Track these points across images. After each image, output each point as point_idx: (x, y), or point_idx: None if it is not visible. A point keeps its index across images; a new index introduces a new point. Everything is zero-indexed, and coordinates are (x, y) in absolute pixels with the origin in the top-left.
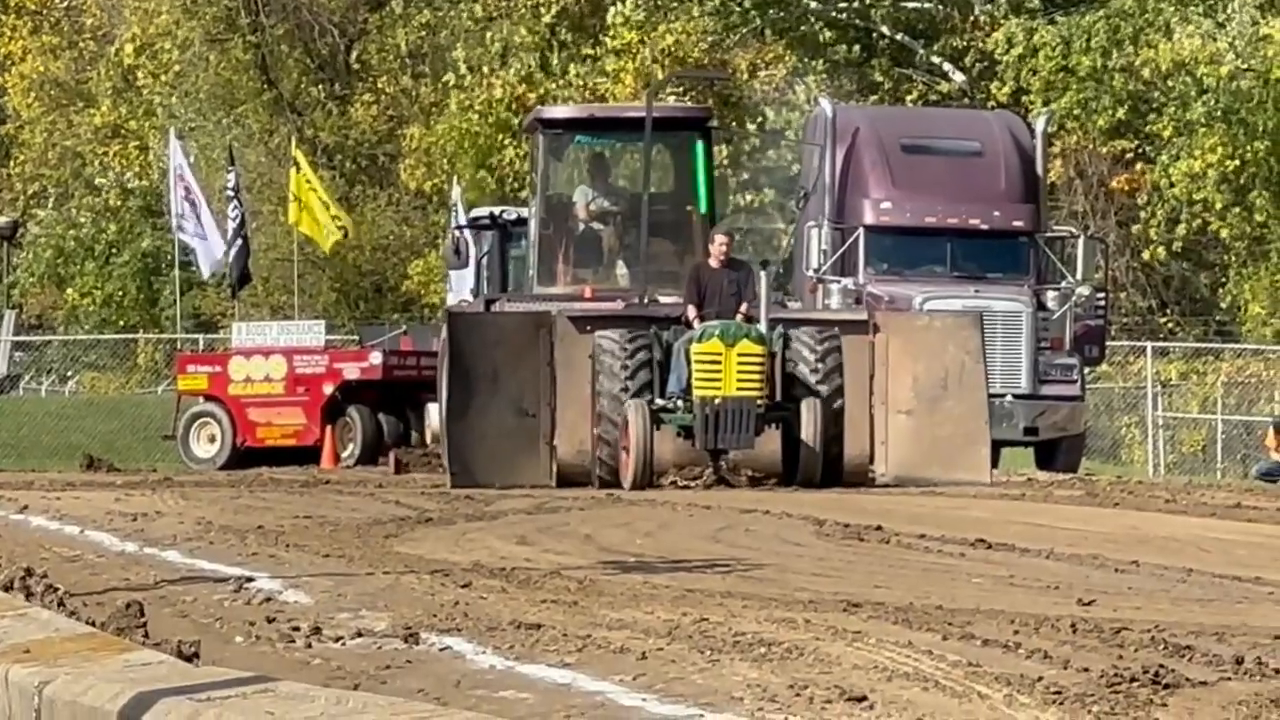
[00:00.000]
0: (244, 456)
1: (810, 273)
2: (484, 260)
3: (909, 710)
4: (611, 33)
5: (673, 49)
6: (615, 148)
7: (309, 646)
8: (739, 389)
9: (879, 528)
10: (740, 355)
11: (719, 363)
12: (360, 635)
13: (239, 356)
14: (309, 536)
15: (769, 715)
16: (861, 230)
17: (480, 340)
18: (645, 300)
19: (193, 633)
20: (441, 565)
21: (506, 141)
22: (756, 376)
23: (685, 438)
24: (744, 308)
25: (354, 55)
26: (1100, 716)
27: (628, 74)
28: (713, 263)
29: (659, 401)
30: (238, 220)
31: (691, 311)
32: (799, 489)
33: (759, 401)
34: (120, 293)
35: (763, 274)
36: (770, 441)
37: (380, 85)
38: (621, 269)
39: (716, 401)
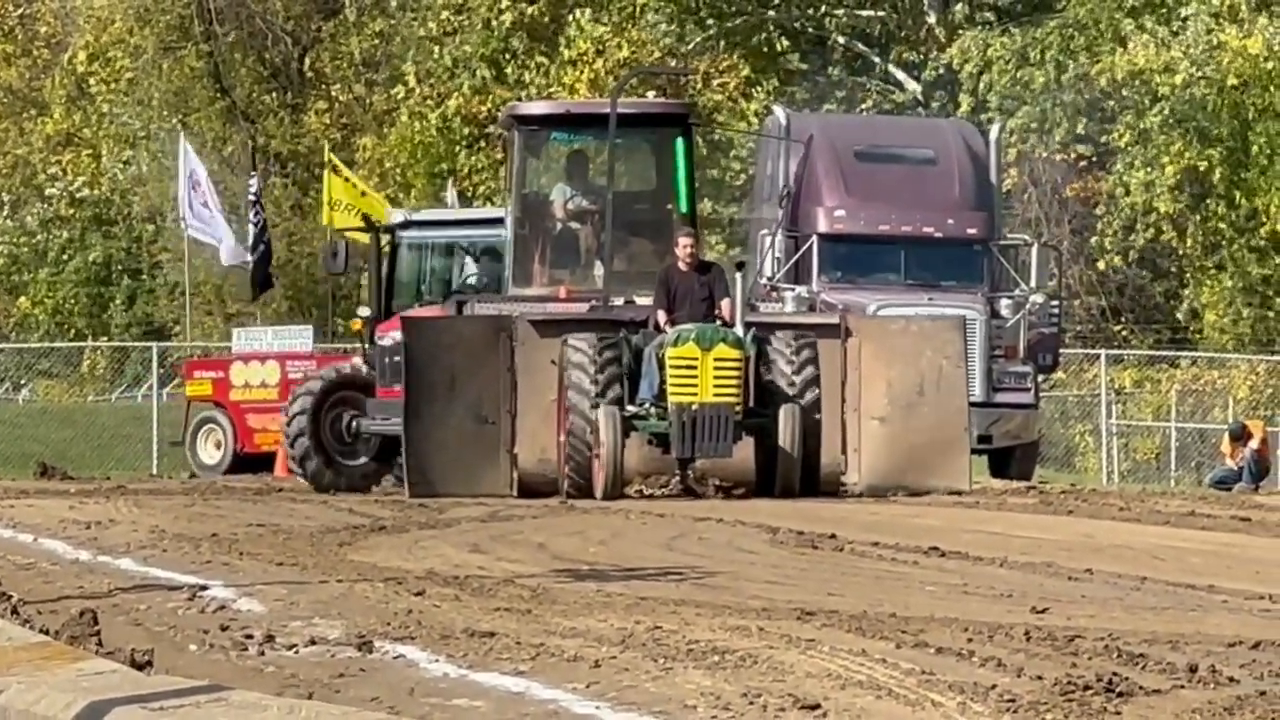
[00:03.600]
0: (243, 462)
1: (764, 280)
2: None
3: (862, 718)
4: (567, 43)
5: (628, 59)
6: (593, 145)
7: (262, 654)
8: (716, 395)
9: (833, 535)
10: (717, 360)
11: (695, 368)
12: (314, 643)
13: (239, 362)
14: (262, 544)
15: None
16: (815, 238)
17: (437, 345)
18: (609, 303)
19: (146, 641)
20: (395, 573)
21: (459, 151)
22: (734, 382)
23: (657, 445)
24: (723, 308)
25: (307, 63)
26: None
27: (582, 84)
28: (681, 265)
29: (630, 408)
30: (260, 226)
31: (662, 316)
32: (770, 498)
33: (736, 408)
34: (71, 301)
35: (738, 276)
36: (739, 449)
37: (334, 94)
38: (599, 269)
39: (693, 408)
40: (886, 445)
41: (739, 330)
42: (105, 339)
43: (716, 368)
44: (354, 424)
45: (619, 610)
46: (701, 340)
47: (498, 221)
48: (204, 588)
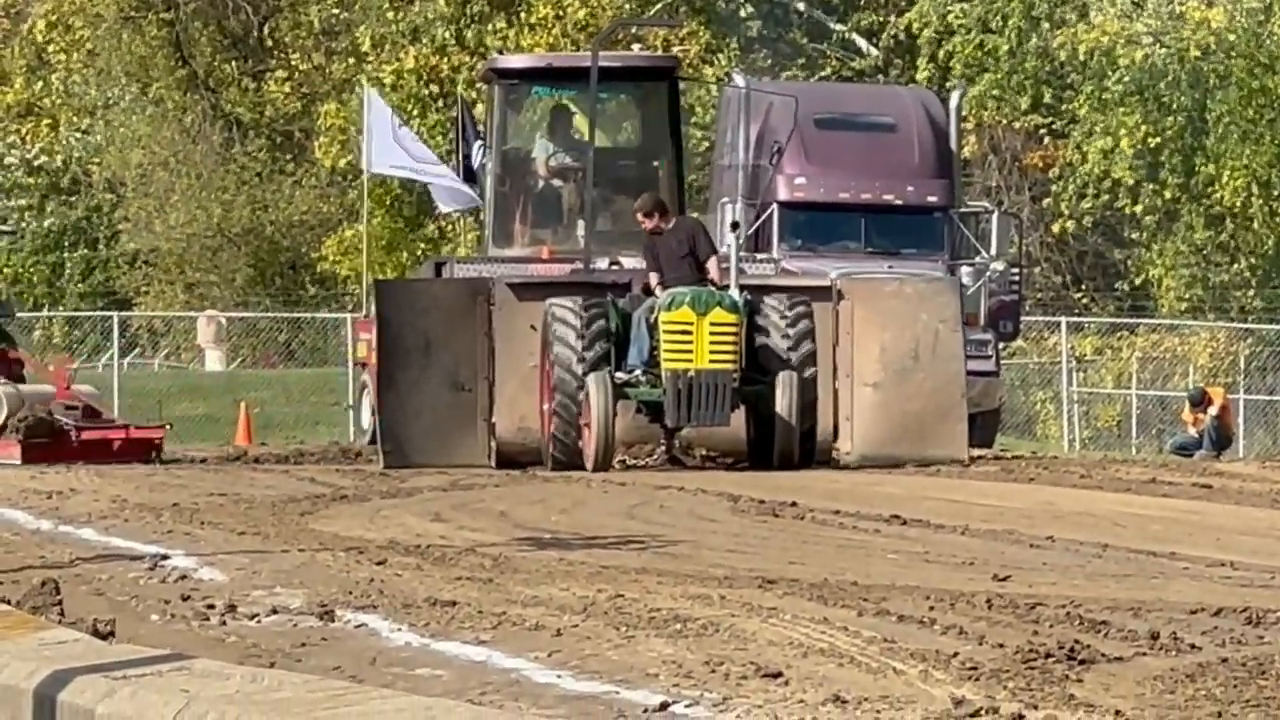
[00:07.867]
0: None
1: (724, 248)
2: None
3: (824, 686)
4: (528, 7)
5: (586, 21)
6: (576, 99)
7: (224, 624)
8: (712, 361)
9: (794, 504)
10: (713, 325)
11: (690, 333)
12: (275, 613)
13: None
14: (224, 514)
15: (684, 691)
16: (776, 206)
17: (410, 310)
18: (591, 264)
19: (108, 611)
20: (357, 542)
21: (416, 113)
22: (730, 347)
23: (647, 414)
24: (710, 268)
25: (267, 32)
26: (1016, 692)
27: (542, 48)
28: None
29: (619, 375)
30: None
31: (654, 278)
32: (766, 469)
33: (734, 375)
34: (30, 270)
35: (731, 237)
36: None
37: (294, 62)
38: (583, 229)
39: (689, 375)
40: (880, 413)
41: (734, 293)
42: (61, 308)
43: (713, 333)
44: None
45: (580, 579)
46: (697, 304)
47: None
48: (165, 557)
